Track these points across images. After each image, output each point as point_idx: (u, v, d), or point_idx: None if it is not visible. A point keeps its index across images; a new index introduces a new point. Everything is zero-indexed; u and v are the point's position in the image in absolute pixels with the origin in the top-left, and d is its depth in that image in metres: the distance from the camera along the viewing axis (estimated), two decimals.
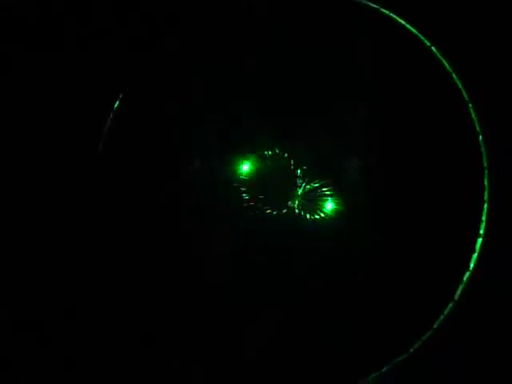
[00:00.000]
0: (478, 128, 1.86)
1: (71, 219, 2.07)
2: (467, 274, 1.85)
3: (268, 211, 2.02)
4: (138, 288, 2.02)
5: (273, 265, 2.01)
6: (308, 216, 2.01)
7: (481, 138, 1.87)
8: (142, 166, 2.07)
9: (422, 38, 1.88)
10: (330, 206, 2.00)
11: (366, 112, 1.97)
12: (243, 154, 2.05)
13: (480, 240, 1.85)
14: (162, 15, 2.08)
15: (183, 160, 2.06)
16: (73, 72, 2.10)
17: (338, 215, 2.00)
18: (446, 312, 1.84)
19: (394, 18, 1.91)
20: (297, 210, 2.02)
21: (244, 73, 2.04)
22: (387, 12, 1.92)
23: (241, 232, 2.04)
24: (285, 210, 2.03)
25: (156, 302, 2.03)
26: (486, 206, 1.85)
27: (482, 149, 1.85)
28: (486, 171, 1.86)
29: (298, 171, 2.02)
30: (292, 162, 2.03)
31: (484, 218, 1.85)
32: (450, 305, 1.85)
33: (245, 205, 2.04)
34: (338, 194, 1.99)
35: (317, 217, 2.00)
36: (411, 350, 1.84)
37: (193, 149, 2.06)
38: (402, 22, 1.90)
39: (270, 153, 2.04)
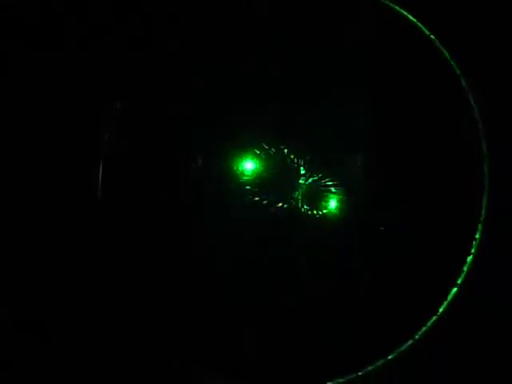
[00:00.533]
0: (477, 116, 1.90)
1: (71, 218, 2.06)
2: (469, 259, 1.87)
3: (270, 205, 2.03)
4: (139, 288, 2.02)
5: (276, 260, 2.02)
6: (313, 211, 2.02)
7: (480, 125, 1.91)
8: (144, 165, 2.07)
9: (422, 26, 1.92)
10: (333, 203, 2.02)
11: (366, 101, 2.00)
12: (246, 151, 2.06)
13: (480, 226, 1.87)
14: (162, 15, 2.10)
15: (185, 159, 2.07)
16: (73, 72, 2.11)
17: (340, 210, 2.01)
18: (449, 298, 1.85)
19: (392, 6, 1.95)
20: (301, 207, 2.03)
21: (244, 72, 2.06)
22: (386, 1, 1.96)
23: (244, 228, 2.04)
24: (286, 205, 2.04)
25: (157, 302, 2.02)
26: (485, 192, 1.88)
27: (482, 137, 1.89)
28: (486, 159, 1.89)
29: (301, 169, 2.03)
30: (296, 159, 2.04)
31: (484, 203, 1.88)
32: (454, 290, 1.87)
33: (248, 201, 2.04)
34: (340, 187, 2.01)
35: (320, 212, 2.02)
36: (417, 337, 1.85)
37: (194, 148, 2.07)
38: (401, 10, 1.94)
39: (273, 150, 2.05)
